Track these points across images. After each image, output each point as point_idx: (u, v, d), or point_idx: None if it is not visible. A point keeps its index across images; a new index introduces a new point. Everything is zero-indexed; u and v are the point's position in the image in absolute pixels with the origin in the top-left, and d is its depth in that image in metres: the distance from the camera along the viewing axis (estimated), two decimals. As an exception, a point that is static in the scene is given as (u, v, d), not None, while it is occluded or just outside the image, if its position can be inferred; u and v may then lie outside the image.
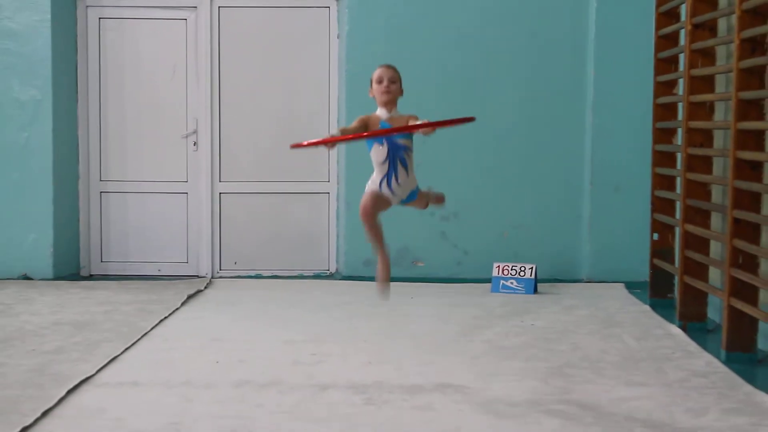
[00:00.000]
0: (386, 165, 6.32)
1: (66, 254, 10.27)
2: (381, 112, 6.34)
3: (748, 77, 6.87)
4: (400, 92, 6.44)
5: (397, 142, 6.29)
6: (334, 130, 10.23)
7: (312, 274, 10.42)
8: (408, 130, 6.09)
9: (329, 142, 6.04)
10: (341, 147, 10.08)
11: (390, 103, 6.34)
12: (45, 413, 5.55)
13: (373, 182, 6.38)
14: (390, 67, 6.46)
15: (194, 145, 10.41)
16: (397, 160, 6.31)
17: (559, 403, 5.84)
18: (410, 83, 9.00)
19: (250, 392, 6.04)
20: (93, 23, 10.34)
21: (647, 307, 8.72)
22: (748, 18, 6.84)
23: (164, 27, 10.37)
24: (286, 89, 10.36)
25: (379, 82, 6.34)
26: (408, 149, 6.36)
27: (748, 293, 6.92)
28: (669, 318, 8.22)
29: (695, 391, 6.11)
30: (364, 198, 6.34)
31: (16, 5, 9.87)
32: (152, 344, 7.34)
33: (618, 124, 9.91)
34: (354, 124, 6.30)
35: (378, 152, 6.32)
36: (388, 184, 6.34)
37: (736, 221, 6.95)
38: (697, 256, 7.92)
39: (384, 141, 6.26)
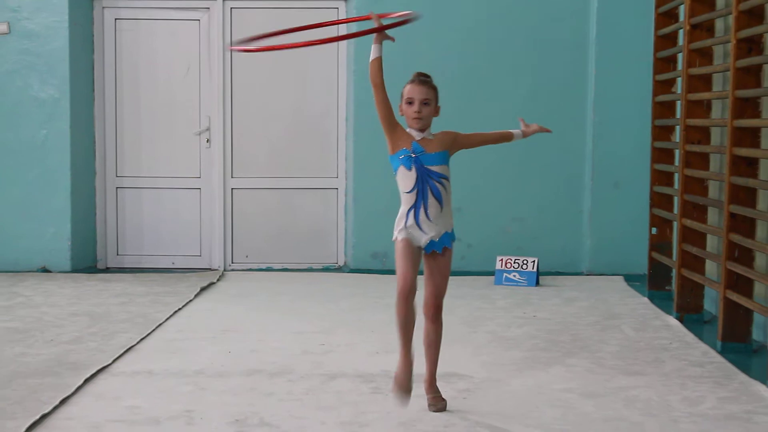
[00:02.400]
0: (413, 195, 5.25)
1: (83, 248, 10.29)
2: (413, 132, 5.30)
3: (745, 76, 6.87)
4: (435, 113, 5.36)
5: (429, 168, 5.24)
6: (343, 126, 10.29)
7: (321, 267, 10.43)
8: (355, 36, 5.57)
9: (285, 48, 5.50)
10: (350, 143, 10.10)
11: (423, 128, 5.30)
12: (63, 401, 5.57)
13: (398, 225, 5.32)
14: (423, 82, 5.33)
15: (207, 141, 10.43)
16: (428, 189, 5.24)
17: (561, 392, 5.85)
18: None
19: (261, 381, 6.06)
20: (109, 23, 10.36)
21: (646, 299, 8.73)
22: (745, 18, 6.84)
23: (178, 27, 10.39)
24: (296, 87, 10.37)
25: (410, 103, 5.28)
26: (443, 177, 5.28)
27: (744, 286, 6.92)
28: (667, 309, 8.22)
29: (692, 380, 6.11)
30: (399, 279, 5.24)
31: (35, 6, 9.89)
32: (166, 334, 7.36)
33: (618, 122, 9.91)
34: (385, 105, 5.31)
35: (405, 178, 5.26)
36: (416, 218, 5.25)
37: (732, 216, 6.95)
38: (694, 250, 7.92)
39: (412, 165, 5.22)
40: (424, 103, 5.26)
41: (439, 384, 5.66)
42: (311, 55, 10.29)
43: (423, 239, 5.28)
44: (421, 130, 5.28)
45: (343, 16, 10.22)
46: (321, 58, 10.30)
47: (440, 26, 9.97)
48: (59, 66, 9.94)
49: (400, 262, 5.26)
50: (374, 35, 5.32)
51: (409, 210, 5.26)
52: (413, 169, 5.22)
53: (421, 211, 5.23)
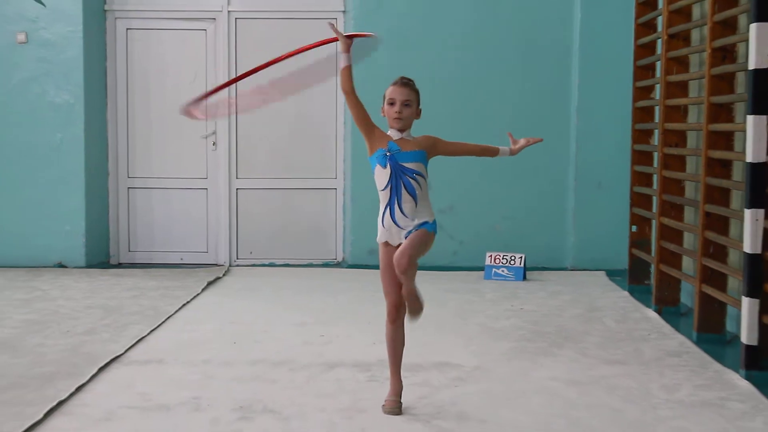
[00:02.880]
0: (388, 192, 5.08)
1: (97, 244, 10.29)
2: (392, 132, 5.15)
3: (719, 83, 6.87)
4: (416, 115, 5.19)
5: (403, 165, 5.06)
6: (341, 130, 10.30)
7: (320, 263, 10.43)
8: (276, 62, 5.29)
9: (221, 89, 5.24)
10: (347, 146, 10.11)
11: (403, 129, 5.14)
12: (78, 388, 5.58)
13: (378, 224, 5.15)
14: (405, 84, 5.17)
15: (213, 144, 10.42)
16: (401, 184, 5.05)
17: (546, 380, 5.85)
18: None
19: (265, 370, 6.06)
20: (121, 33, 10.35)
21: (626, 293, 8.74)
22: (719, 29, 6.85)
23: (186, 37, 10.38)
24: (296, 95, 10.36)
25: (391, 104, 5.12)
26: (418, 174, 5.09)
27: (718, 280, 6.93)
28: (646, 302, 8.23)
29: (669, 369, 6.12)
30: (387, 302, 5.14)
31: (52, 17, 9.88)
32: (176, 326, 7.36)
33: (600, 126, 9.91)
34: (359, 110, 5.14)
35: (380, 175, 5.10)
36: (392, 215, 5.06)
37: (708, 215, 6.96)
38: (671, 247, 7.93)
39: (387, 162, 5.05)
40: (405, 104, 5.09)
41: (432, 373, 5.65)
42: (312, 65, 10.26)
43: (401, 234, 5.06)
44: (401, 130, 5.11)
45: (341, 27, 10.21)
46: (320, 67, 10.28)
47: (437, 36, 9.96)
48: (74, 73, 9.93)
49: (384, 280, 5.13)
50: (342, 45, 5.25)
51: (385, 208, 5.08)
52: (388, 167, 5.04)
53: (396, 208, 5.04)
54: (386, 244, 5.15)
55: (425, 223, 5.08)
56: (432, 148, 5.19)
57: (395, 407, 5.14)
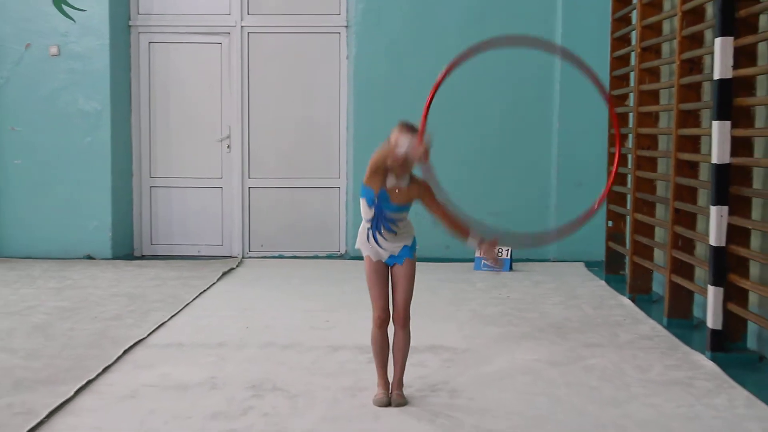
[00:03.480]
0: (370, 222, 4.88)
1: (122, 238, 10.29)
2: (389, 179, 4.79)
3: (687, 92, 6.88)
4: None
5: (387, 214, 4.83)
6: (344, 133, 10.30)
7: (325, 255, 10.43)
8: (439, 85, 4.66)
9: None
10: (350, 149, 10.12)
11: (403, 173, 4.79)
12: (105, 369, 5.60)
13: (360, 235, 4.97)
14: (412, 129, 4.77)
15: (228, 147, 10.42)
16: (382, 225, 4.85)
17: (530, 362, 5.87)
18: (407, 96, 9.05)
19: (274, 352, 6.07)
20: (144, 46, 10.35)
21: (603, 282, 8.75)
22: (687, 43, 6.86)
23: (202, 49, 10.38)
24: (304, 101, 10.36)
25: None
26: (400, 220, 4.86)
27: (686, 271, 6.95)
28: (621, 291, 8.24)
29: (642, 351, 6.14)
30: (374, 308, 5.00)
31: (81, 32, 9.89)
32: (193, 312, 7.37)
33: (580, 131, 9.90)
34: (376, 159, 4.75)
35: (366, 209, 4.87)
36: (375, 238, 4.87)
37: (677, 211, 6.97)
38: (644, 240, 7.94)
39: (373, 205, 4.80)
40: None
41: (426, 355, 5.67)
42: (316, 75, 10.29)
43: (383, 255, 4.90)
44: (399, 176, 4.77)
45: (344, 40, 10.21)
46: (325, 77, 10.29)
47: (431, 49, 9.92)
48: (101, 83, 9.93)
49: (372, 289, 4.95)
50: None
51: (368, 229, 4.88)
52: (373, 209, 4.81)
53: (378, 235, 4.86)
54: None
55: (406, 247, 4.92)
56: (421, 196, 4.86)
57: (383, 398, 4.97)
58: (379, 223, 4.85)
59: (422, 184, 4.86)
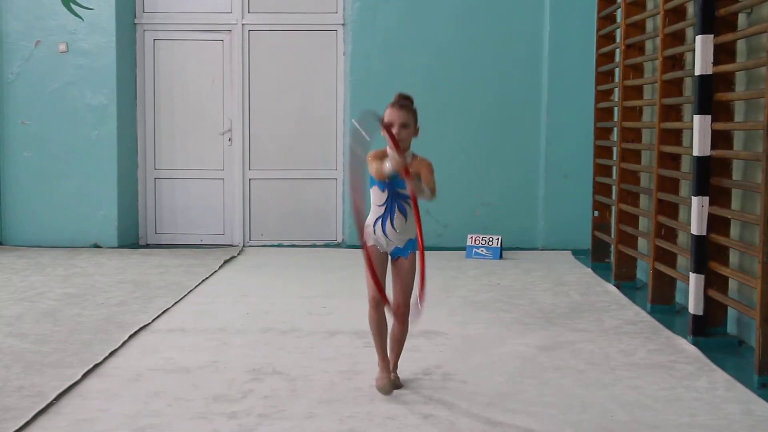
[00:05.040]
0: (383, 208, 4.76)
1: (128, 227, 10.27)
2: (391, 154, 4.63)
3: (669, 87, 6.87)
4: (415, 133, 4.73)
5: (399, 191, 4.72)
6: (341, 126, 10.27)
7: (323, 244, 10.42)
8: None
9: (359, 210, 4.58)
10: (346, 141, 10.09)
11: (401, 150, 4.59)
12: (111, 353, 5.58)
13: (367, 228, 4.84)
14: (402, 106, 4.67)
15: (229, 140, 10.39)
16: (396, 206, 4.74)
17: (520, 346, 5.86)
18: (401, 89, 9.00)
19: (274, 337, 6.06)
20: (149, 43, 10.31)
21: (589, 270, 8.74)
22: (669, 40, 6.84)
23: (205, 46, 10.34)
24: (302, 96, 10.34)
25: (389, 126, 4.61)
26: (410, 199, 4.74)
27: (669, 258, 6.95)
28: (606, 278, 8.24)
29: (626, 336, 6.13)
30: (369, 288, 4.84)
31: (88, 30, 9.85)
32: (196, 299, 7.35)
33: (567, 124, 9.90)
34: (372, 166, 4.67)
35: (378, 195, 4.77)
36: (383, 228, 4.78)
37: (660, 201, 6.96)
38: (628, 229, 7.93)
39: (385, 187, 4.71)
40: (404, 126, 4.63)
41: (420, 340, 5.64)
42: (314, 70, 10.26)
43: (389, 246, 4.83)
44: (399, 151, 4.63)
45: (341, 37, 10.18)
46: (322, 73, 10.26)
47: (424, 45, 9.93)
48: (108, 78, 9.90)
49: (369, 273, 4.74)
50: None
51: (376, 220, 4.78)
52: (386, 191, 4.71)
53: (388, 222, 4.75)
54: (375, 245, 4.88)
55: (410, 241, 4.85)
56: (420, 170, 4.72)
57: (389, 387, 4.80)
58: (393, 206, 4.72)
59: (424, 161, 4.75)
